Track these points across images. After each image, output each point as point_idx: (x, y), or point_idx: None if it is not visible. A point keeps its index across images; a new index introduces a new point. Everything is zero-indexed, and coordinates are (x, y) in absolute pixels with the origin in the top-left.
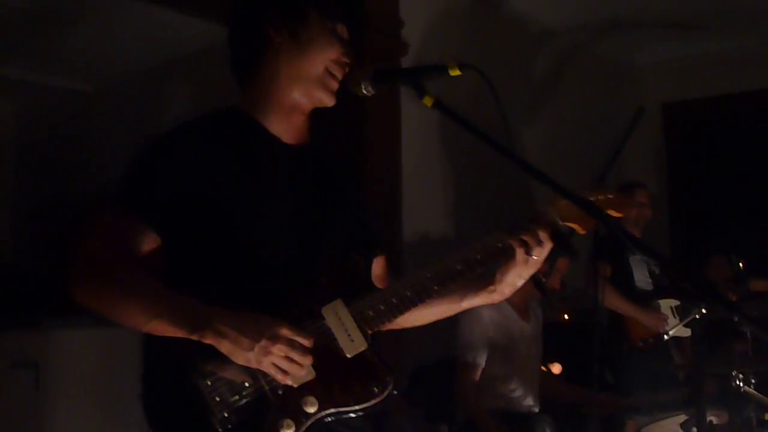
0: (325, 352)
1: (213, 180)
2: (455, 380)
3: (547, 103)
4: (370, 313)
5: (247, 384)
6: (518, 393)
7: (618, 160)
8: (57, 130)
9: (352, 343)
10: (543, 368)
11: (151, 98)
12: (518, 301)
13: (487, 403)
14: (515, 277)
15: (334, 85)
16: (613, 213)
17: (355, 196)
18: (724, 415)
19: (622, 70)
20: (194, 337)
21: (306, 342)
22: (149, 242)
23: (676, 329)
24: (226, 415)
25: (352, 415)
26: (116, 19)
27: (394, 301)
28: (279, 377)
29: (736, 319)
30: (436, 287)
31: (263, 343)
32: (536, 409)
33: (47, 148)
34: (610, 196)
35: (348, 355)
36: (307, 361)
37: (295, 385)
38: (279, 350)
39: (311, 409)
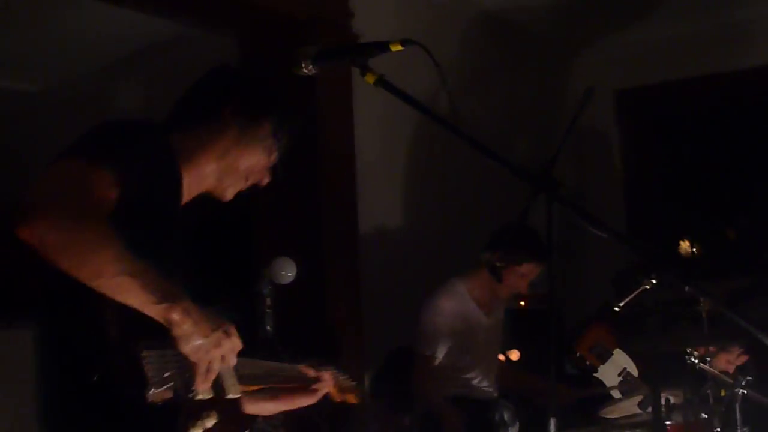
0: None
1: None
2: (413, 372)
3: (500, 89)
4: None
5: (168, 373)
6: (477, 381)
7: (568, 140)
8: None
9: (233, 387)
10: (502, 357)
11: (100, 97)
12: (482, 295)
13: (446, 391)
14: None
15: (240, 188)
16: None
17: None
18: (680, 393)
19: (573, 57)
20: (159, 308)
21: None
22: (112, 201)
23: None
24: (153, 390)
25: None
26: (62, 16)
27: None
28: (208, 376)
29: (687, 289)
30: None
31: (219, 334)
32: (494, 395)
33: None
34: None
35: (228, 396)
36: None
37: (205, 397)
38: (227, 345)
39: (209, 423)
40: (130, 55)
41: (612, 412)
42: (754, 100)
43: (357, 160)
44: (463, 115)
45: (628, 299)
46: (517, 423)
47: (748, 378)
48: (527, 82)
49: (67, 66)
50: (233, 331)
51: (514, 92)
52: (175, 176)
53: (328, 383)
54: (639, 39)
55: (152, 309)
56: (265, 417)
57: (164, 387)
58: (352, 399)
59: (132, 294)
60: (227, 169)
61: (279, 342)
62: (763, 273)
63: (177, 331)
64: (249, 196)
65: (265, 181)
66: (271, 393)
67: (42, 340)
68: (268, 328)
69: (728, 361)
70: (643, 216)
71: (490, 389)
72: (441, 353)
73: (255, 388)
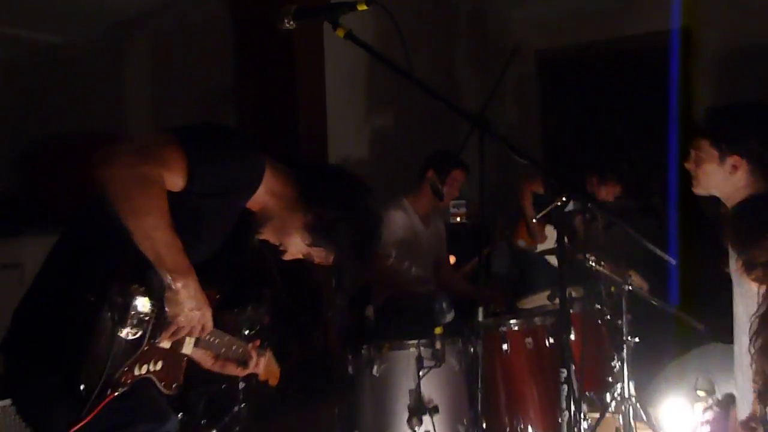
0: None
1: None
2: (375, 269)
3: (436, 54)
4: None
5: (147, 318)
6: (420, 278)
7: (495, 94)
8: (25, 81)
9: (188, 347)
10: (453, 258)
11: (112, 52)
12: (422, 210)
13: (397, 286)
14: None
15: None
16: None
17: None
18: (581, 289)
19: (505, 21)
20: (166, 272)
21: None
22: (177, 182)
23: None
24: (129, 324)
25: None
26: None
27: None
28: (175, 335)
29: (588, 205)
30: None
31: (198, 314)
32: (434, 289)
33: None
34: None
35: (181, 351)
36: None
37: (166, 346)
38: (200, 323)
39: (153, 367)
40: (144, 13)
41: (527, 304)
42: (646, 57)
43: (327, 100)
44: (414, 64)
45: (543, 213)
46: (453, 311)
47: (631, 279)
48: (467, 41)
49: (87, 20)
50: (209, 315)
51: (453, 47)
52: (245, 196)
53: (259, 368)
54: (557, 8)
55: (162, 270)
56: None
57: (137, 327)
58: (273, 381)
59: (159, 250)
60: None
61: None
62: (648, 196)
63: (169, 294)
64: None
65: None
66: (213, 356)
67: (62, 246)
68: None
69: (607, 192)
70: (557, 150)
71: (431, 285)
72: (392, 254)
73: (208, 353)
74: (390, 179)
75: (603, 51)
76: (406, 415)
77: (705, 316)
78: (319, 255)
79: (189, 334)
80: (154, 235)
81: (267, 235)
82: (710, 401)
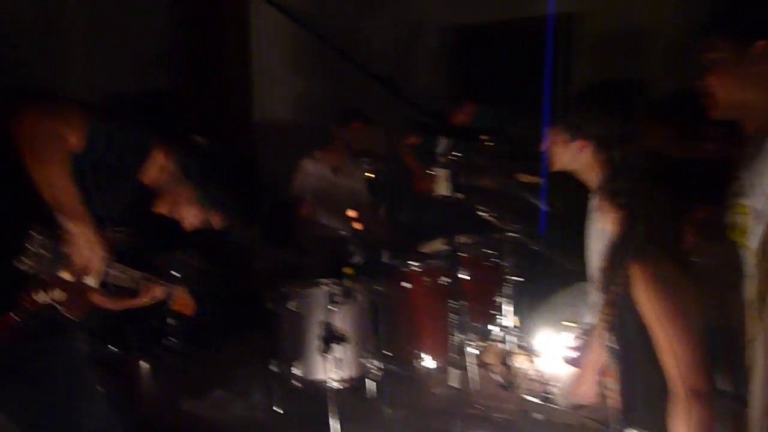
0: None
1: None
2: (294, 214)
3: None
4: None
5: (44, 253)
6: (334, 224)
7: (402, 63)
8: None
9: (92, 279)
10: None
11: (49, 15)
12: (333, 161)
13: (315, 231)
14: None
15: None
16: None
17: None
18: (472, 237)
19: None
20: (62, 216)
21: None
22: (77, 144)
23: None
24: (26, 257)
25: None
26: None
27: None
28: (74, 263)
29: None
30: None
31: (96, 249)
32: (347, 234)
33: None
34: None
35: (85, 283)
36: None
37: (69, 279)
38: (94, 254)
39: (55, 295)
40: None
41: (426, 248)
42: (536, 37)
43: (253, 62)
44: (331, 29)
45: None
46: (365, 253)
47: (515, 226)
48: (374, 15)
49: None
50: (98, 255)
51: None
52: (134, 169)
53: (158, 296)
54: None
55: (60, 213)
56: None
57: (34, 260)
58: (188, 311)
59: (52, 196)
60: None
61: None
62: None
63: (66, 236)
64: None
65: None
66: (117, 293)
67: None
68: None
69: (462, 117)
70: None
71: (344, 232)
72: (307, 200)
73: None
74: (307, 133)
75: (500, 30)
76: (319, 344)
77: (575, 259)
78: (215, 221)
79: (82, 272)
80: (55, 183)
81: (161, 208)
82: (576, 331)
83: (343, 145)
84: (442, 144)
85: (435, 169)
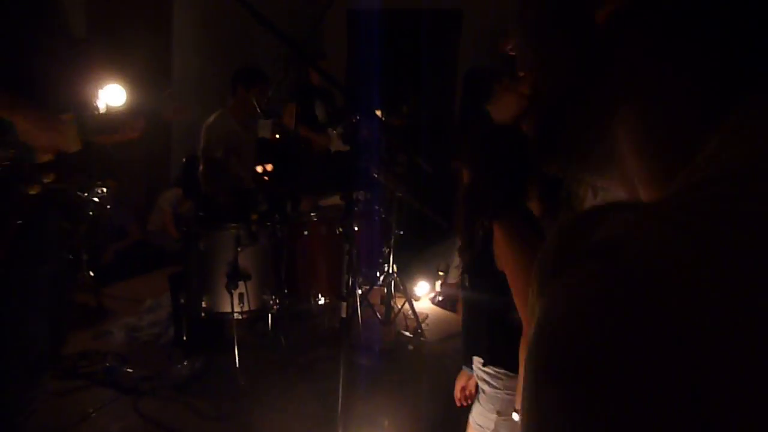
0: None
1: None
2: (202, 169)
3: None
4: None
5: (10, 149)
6: (242, 175)
7: (313, 36)
8: None
9: (74, 143)
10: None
11: None
12: (239, 117)
13: (225, 183)
14: None
15: None
16: None
17: None
18: (366, 193)
19: None
20: (4, 110)
21: None
22: None
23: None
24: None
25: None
26: None
27: None
28: (40, 150)
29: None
30: None
31: (46, 133)
32: (253, 186)
33: None
34: None
35: (70, 150)
36: None
37: (44, 160)
38: (58, 138)
39: (46, 179)
40: None
41: (325, 202)
42: (435, 26)
43: (173, 23)
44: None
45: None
46: (267, 203)
47: (401, 186)
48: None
49: None
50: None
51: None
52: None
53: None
54: None
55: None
56: None
57: (3, 155)
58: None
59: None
60: None
61: None
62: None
63: (18, 126)
64: None
65: None
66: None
67: None
68: None
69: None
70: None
71: (252, 183)
72: (218, 154)
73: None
74: (221, 92)
75: (403, 17)
76: (225, 281)
77: (449, 217)
78: None
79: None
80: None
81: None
82: (445, 278)
83: (250, 104)
84: (320, 108)
85: (329, 129)
